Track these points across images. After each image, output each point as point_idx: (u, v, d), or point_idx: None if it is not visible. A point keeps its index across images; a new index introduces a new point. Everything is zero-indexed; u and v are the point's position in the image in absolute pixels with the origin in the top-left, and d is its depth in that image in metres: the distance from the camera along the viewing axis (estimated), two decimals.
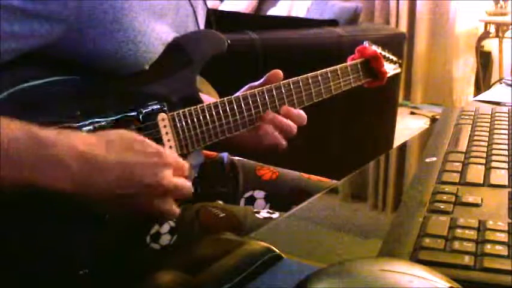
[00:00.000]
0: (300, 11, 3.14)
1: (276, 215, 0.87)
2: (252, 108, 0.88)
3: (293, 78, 0.93)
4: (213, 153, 1.07)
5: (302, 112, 0.92)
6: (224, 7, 3.80)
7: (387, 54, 1.12)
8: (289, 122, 0.90)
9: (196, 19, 0.91)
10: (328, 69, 0.98)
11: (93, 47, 0.74)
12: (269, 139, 0.89)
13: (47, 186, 0.62)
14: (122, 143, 0.67)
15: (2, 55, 0.69)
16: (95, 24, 0.72)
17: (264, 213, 0.87)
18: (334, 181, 1.00)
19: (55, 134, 0.64)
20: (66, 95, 0.73)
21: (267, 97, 0.90)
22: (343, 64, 1.01)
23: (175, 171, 0.69)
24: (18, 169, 0.61)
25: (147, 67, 0.79)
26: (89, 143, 0.65)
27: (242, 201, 1.00)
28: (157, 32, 0.79)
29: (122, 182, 0.65)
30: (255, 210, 0.89)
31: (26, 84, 0.70)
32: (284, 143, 0.90)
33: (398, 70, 1.17)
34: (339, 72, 1.00)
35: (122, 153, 0.66)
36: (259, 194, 1.00)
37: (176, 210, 0.71)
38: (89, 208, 0.68)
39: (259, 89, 0.90)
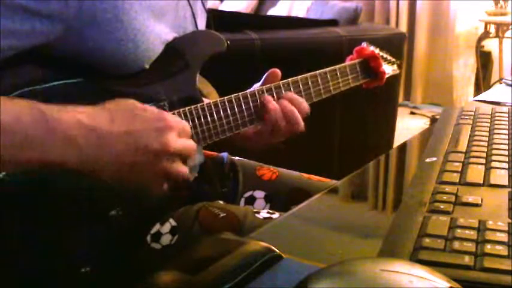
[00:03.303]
0: (300, 11, 3.14)
1: (276, 215, 0.87)
2: (252, 107, 0.88)
3: (292, 78, 0.93)
4: (213, 153, 1.07)
5: (304, 100, 0.92)
6: (224, 7, 3.80)
7: (385, 55, 1.12)
8: (295, 111, 0.89)
9: (195, 20, 0.92)
10: (327, 69, 0.98)
11: (93, 45, 0.74)
12: (273, 124, 0.88)
13: (54, 161, 0.62)
14: (125, 111, 0.67)
15: (2, 52, 0.69)
16: (95, 23, 0.73)
17: (264, 213, 0.87)
18: (334, 181, 1.00)
19: (60, 110, 0.64)
20: (67, 99, 0.73)
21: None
22: (341, 64, 1.02)
23: (179, 133, 0.69)
24: (26, 145, 0.61)
25: (147, 66, 0.79)
26: (93, 117, 0.65)
27: (242, 201, 1.00)
28: (157, 32, 0.80)
29: (128, 152, 0.65)
30: (255, 210, 0.89)
31: (27, 89, 0.70)
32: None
33: (397, 71, 1.17)
34: (337, 72, 1.00)
35: (126, 122, 0.66)
36: (259, 194, 1.00)
37: (186, 169, 0.71)
38: (97, 181, 0.68)
39: (259, 88, 0.90)
